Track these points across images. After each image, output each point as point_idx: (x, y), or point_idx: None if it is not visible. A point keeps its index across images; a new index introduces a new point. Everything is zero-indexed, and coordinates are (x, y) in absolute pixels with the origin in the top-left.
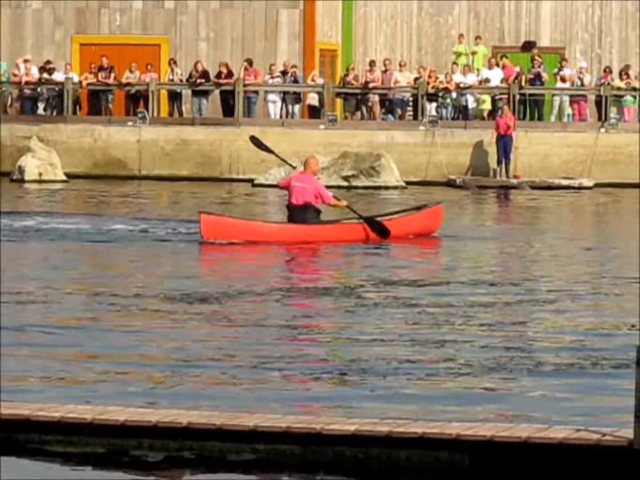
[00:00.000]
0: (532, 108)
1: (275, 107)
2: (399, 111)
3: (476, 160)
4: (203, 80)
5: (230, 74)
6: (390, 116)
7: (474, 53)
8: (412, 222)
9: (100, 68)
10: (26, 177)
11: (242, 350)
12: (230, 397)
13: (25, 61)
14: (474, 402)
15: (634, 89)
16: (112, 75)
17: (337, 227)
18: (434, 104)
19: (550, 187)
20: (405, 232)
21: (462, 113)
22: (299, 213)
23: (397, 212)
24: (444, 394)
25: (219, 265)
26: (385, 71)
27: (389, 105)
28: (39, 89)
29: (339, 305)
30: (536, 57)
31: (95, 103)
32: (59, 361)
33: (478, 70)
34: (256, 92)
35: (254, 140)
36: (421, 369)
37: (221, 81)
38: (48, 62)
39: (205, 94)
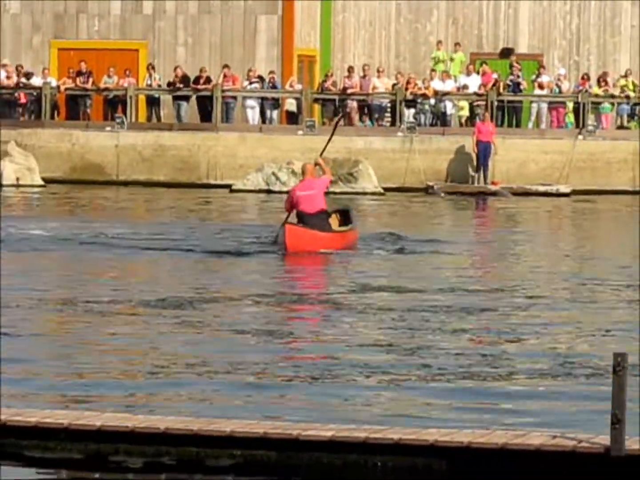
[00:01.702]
0: (510, 115)
1: (253, 112)
2: (376, 117)
3: (454, 167)
4: (182, 86)
5: (208, 80)
6: (370, 122)
7: (451, 59)
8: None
9: (79, 73)
10: (4, 182)
11: (218, 355)
12: (207, 402)
13: (4, 66)
14: (450, 409)
15: (612, 96)
16: (91, 80)
17: (356, 231)
18: (412, 110)
19: (527, 194)
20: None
21: (440, 119)
22: (316, 221)
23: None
24: (420, 401)
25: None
26: (364, 77)
27: (368, 111)
28: (16, 94)
29: (316, 311)
30: (514, 64)
31: (73, 108)
32: (38, 367)
33: (455, 76)
34: (234, 98)
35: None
36: (397, 375)
37: (199, 87)
38: (20, 66)
39: (186, 98)
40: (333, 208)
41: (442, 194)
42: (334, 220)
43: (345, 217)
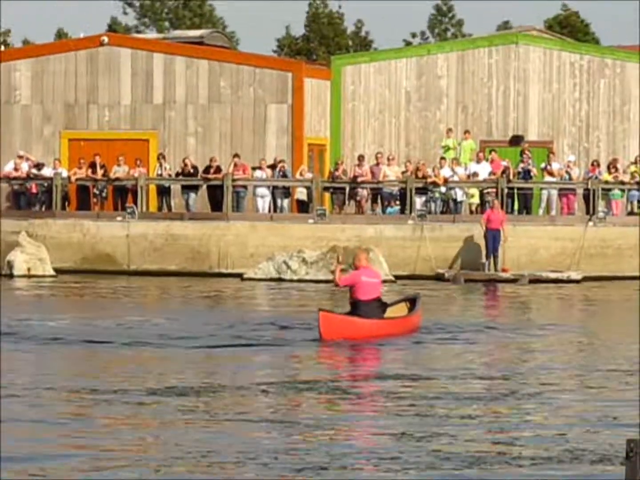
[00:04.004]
0: (520, 202)
1: (264, 201)
2: (386, 204)
3: (465, 254)
4: (192, 170)
5: (218, 169)
6: (390, 209)
7: (459, 144)
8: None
9: (92, 165)
10: (15, 272)
11: (225, 444)
12: None
13: (20, 157)
14: None
15: (622, 183)
16: (101, 172)
17: (416, 317)
18: (423, 198)
19: (538, 281)
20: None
21: (450, 207)
22: (372, 308)
23: (397, 302)
24: None
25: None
26: (377, 164)
27: (380, 199)
28: (27, 185)
29: (327, 398)
30: (526, 152)
31: (84, 198)
32: (47, 457)
33: (465, 164)
34: (245, 187)
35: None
36: (406, 462)
37: (210, 176)
38: (38, 164)
39: (195, 188)
40: (402, 297)
41: (459, 280)
42: (402, 308)
43: (413, 305)
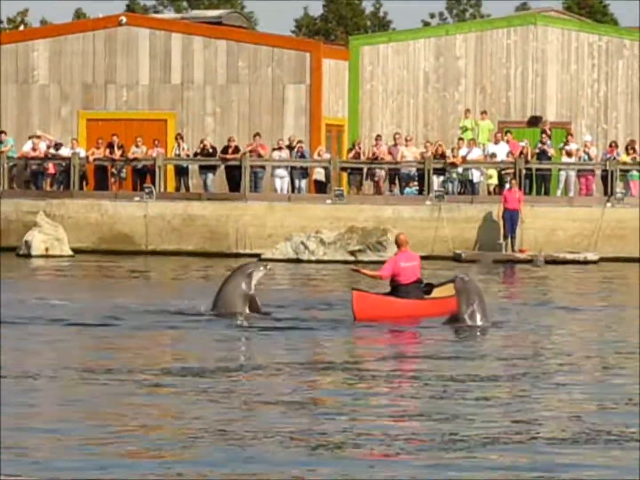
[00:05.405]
0: (538, 183)
1: (282, 182)
2: (403, 185)
3: (482, 235)
4: (211, 150)
5: (237, 149)
6: (408, 189)
7: (476, 124)
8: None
9: (110, 145)
10: (32, 252)
11: (246, 424)
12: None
13: (37, 137)
14: (475, 476)
15: None
16: (119, 152)
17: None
18: (441, 178)
19: (555, 262)
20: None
21: (468, 188)
22: (412, 289)
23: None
24: (446, 468)
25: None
26: (395, 145)
27: (398, 180)
28: (45, 165)
29: (345, 379)
30: (547, 131)
31: (101, 178)
32: (60, 435)
33: (483, 144)
34: (263, 167)
35: None
36: (422, 443)
37: (228, 156)
38: (56, 144)
39: (213, 168)
40: (449, 278)
41: (487, 261)
42: (449, 289)
43: None
